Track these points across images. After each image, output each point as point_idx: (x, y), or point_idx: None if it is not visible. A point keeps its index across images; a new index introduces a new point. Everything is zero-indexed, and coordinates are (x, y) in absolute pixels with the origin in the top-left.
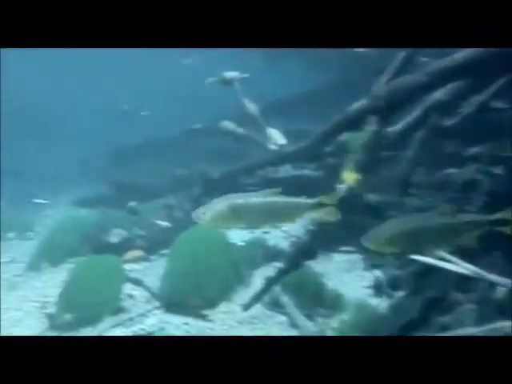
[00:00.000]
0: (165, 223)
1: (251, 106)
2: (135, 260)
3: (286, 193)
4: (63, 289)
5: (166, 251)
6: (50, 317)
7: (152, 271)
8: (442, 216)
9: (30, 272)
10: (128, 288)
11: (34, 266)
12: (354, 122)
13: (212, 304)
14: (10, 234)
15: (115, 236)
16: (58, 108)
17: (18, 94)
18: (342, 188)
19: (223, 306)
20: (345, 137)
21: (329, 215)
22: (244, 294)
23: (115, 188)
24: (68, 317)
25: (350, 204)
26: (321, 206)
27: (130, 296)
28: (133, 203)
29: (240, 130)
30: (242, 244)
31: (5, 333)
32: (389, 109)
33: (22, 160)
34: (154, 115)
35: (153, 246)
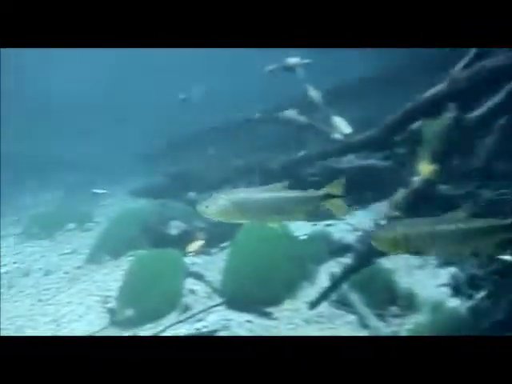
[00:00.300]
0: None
1: (314, 93)
2: (199, 251)
3: (348, 184)
4: (124, 283)
5: (225, 244)
6: (112, 312)
7: (213, 265)
8: (453, 221)
9: (90, 265)
10: (189, 283)
11: (95, 258)
12: (430, 109)
13: (276, 301)
14: (71, 225)
15: (174, 228)
16: (115, 98)
17: (73, 86)
18: (416, 180)
19: (288, 304)
20: (419, 125)
21: (337, 207)
22: (309, 291)
23: (172, 178)
24: (129, 312)
25: (423, 196)
26: (328, 197)
27: (192, 291)
28: (192, 194)
29: (302, 119)
30: (305, 237)
31: (68, 329)
32: (468, 94)
33: (79, 151)
34: (212, 104)
35: (213, 238)
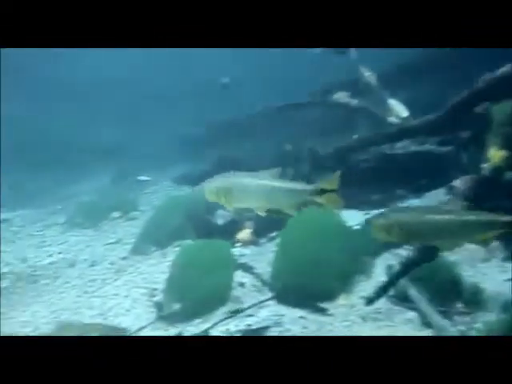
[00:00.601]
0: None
1: (368, 75)
2: (248, 241)
3: (402, 171)
4: (170, 275)
5: (274, 234)
6: (159, 306)
7: (262, 257)
8: (446, 212)
9: (135, 255)
10: (238, 275)
11: (140, 248)
12: (499, 91)
13: (330, 296)
14: (115, 214)
15: (221, 218)
16: (159, 85)
17: (116, 73)
18: (485, 167)
19: (342, 299)
20: (485, 108)
21: (331, 202)
22: (365, 286)
23: (217, 165)
24: (177, 307)
25: (492, 184)
26: (322, 192)
27: (241, 284)
28: None
29: (354, 102)
30: (358, 227)
31: (115, 323)
32: None
33: (123, 138)
34: (258, 87)
35: (261, 228)
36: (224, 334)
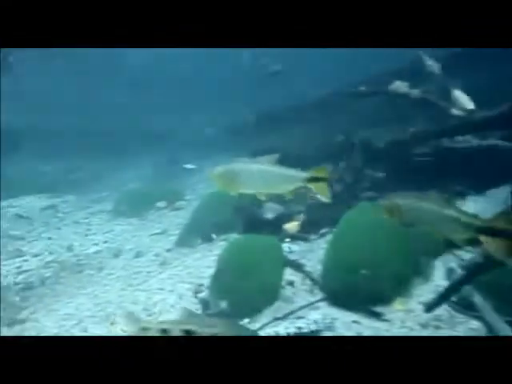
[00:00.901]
0: (323, 197)
1: (431, 64)
2: (295, 232)
3: (462, 165)
4: (217, 271)
5: (325, 230)
6: (204, 303)
7: (312, 254)
8: (434, 202)
9: (181, 248)
10: (287, 273)
11: (185, 240)
12: None
13: (385, 299)
14: (161, 203)
15: (270, 211)
16: (204, 71)
17: (162, 62)
18: None
19: (399, 303)
20: None
21: (320, 190)
22: (423, 290)
23: (265, 155)
24: (223, 305)
25: None
26: (313, 180)
27: (291, 283)
28: None
29: (415, 93)
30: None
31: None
32: None
33: (168, 125)
34: (310, 75)
35: (311, 223)
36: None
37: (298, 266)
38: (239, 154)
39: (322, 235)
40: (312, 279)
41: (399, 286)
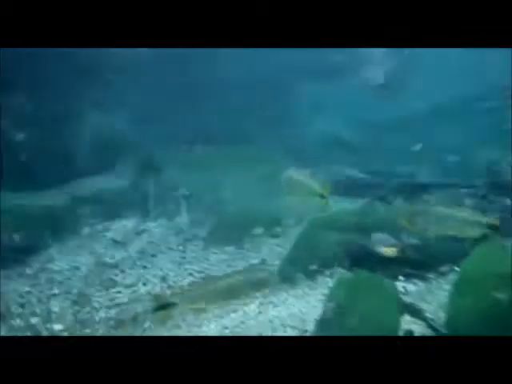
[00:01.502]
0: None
1: None
2: (410, 274)
3: None
4: (324, 315)
5: (446, 268)
6: None
7: (431, 296)
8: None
9: (281, 283)
10: (404, 320)
11: (286, 274)
12: None
13: None
14: (258, 230)
15: (378, 243)
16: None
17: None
18: None
19: None
20: None
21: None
22: None
23: (366, 170)
24: None
25: None
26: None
27: (409, 333)
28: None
29: None
30: None
31: None
32: None
33: (263, 139)
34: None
35: (429, 259)
36: None
37: (415, 312)
38: (341, 169)
39: (443, 274)
40: (434, 329)
41: None
